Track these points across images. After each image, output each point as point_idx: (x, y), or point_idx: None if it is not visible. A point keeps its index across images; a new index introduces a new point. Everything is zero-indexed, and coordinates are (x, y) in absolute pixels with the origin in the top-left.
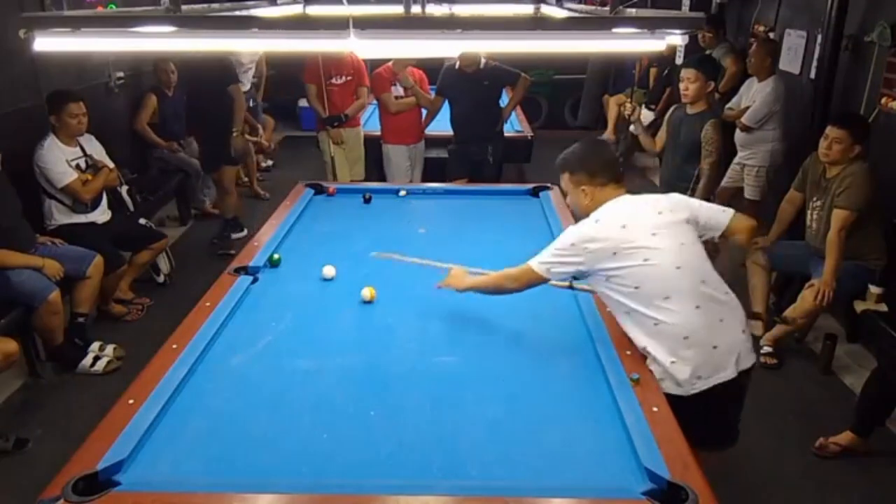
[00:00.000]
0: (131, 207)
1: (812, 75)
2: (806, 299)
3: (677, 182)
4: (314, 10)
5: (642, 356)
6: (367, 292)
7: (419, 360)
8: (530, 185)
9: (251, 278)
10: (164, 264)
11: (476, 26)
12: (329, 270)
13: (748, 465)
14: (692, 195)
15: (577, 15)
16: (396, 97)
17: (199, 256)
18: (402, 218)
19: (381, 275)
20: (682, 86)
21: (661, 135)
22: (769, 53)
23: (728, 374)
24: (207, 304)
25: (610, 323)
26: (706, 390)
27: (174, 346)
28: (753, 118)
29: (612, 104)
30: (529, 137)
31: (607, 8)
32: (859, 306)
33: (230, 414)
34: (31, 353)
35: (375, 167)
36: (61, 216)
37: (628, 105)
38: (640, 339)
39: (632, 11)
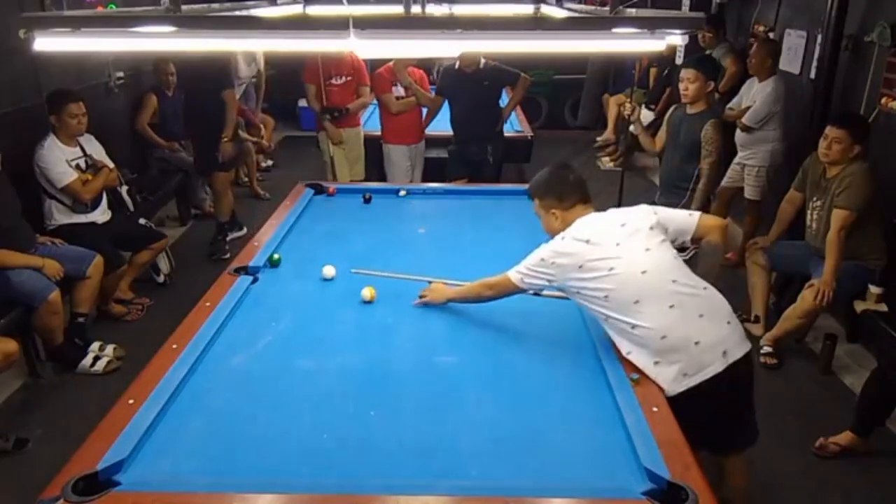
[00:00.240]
0: (131, 207)
1: (812, 75)
2: (806, 299)
3: (677, 182)
4: (314, 10)
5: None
6: (367, 292)
7: (419, 360)
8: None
9: (251, 278)
10: (164, 264)
11: (476, 26)
12: (329, 270)
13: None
14: (692, 195)
15: (577, 15)
16: (397, 97)
17: (199, 256)
18: (402, 218)
19: (379, 271)
20: (681, 86)
21: (661, 135)
22: (770, 54)
23: (715, 368)
24: (207, 304)
25: None
26: (696, 387)
27: (174, 346)
28: (754, 118)
29: (612, 104)
30: (529, 137)
31: (607, 8)
32: (859, 306)
33: (230, 414)
34: (31, 353)
35: (375, 167)
36: (61, 216)
37: (628, 105)
38: (623, 344)
39: (632, 11)
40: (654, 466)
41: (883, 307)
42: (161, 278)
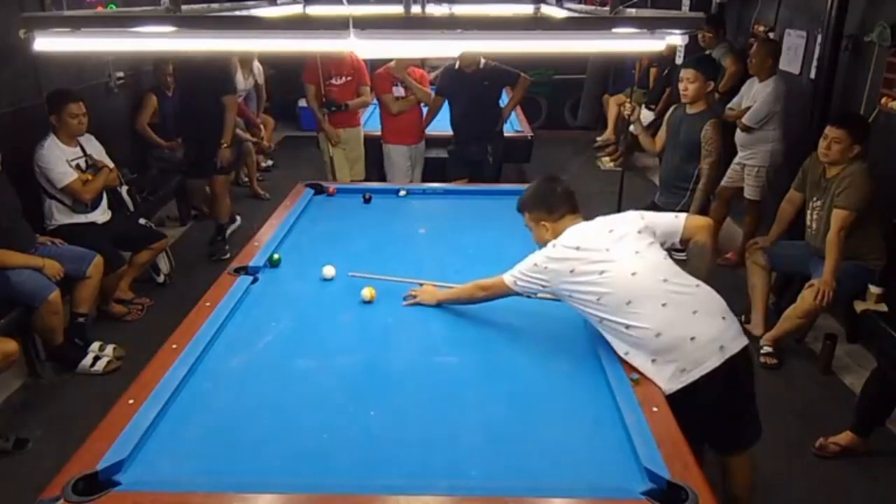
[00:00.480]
0: (131, 207)
1: (812, 75)
2: (806, 299)
3: (677, 182)
4: (314, 10)
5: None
6: (367, 292)
7: (419, 360)
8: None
9: (251, 278)
10: (164, 264)
11: (476, 26)
12: (329, 270)
13: None
14: (692, 195)
15: (577, 15)
16: (397, 97)
17: (199, 256)
18: (402, 218)
19: (381, 274)
20: (681, 86)
21: (661, 135)
22: (770, 54)
23: (713, 363)
24: (207, 304)
25: None
26: (694, 383)
27: (174, 346)
28: (754, 118)
29: (612, 104)
30: (529, 137)
31: (607, 8)
32: (859, 306)
33: (230, 414)
34: (31, 353)
35: (375, 167)
36: (61, 216)
37: (628, 105)
38: (619, 345)
39: (632, 11)
40: (653, 466)
41: (883, 307)
42: (161, 278)
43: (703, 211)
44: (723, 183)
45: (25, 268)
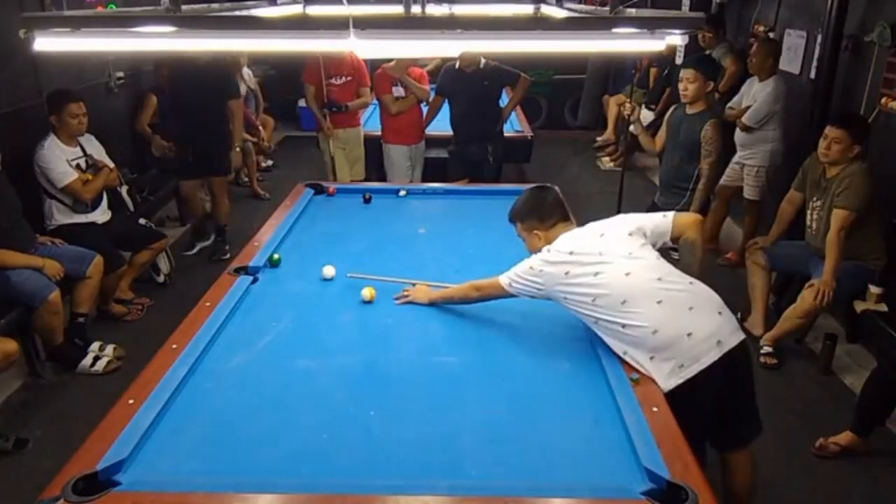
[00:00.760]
0: (131, 207)
1: (812, 75)
2: (806, 299)
3: (677, 182)
4: (314, 10)
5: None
6: (367, 292)
7: (419, 360)
8: (530, 186)
9: (251, 278)
10: (164, 264)
11: (476, 26)
12: (329, 270)
13: None
14: (692, 195)
15: (577, 15)
16: (397, 97)
17: (199, 256)
18: (402, 218)
19: (381, 275)
20: (681, 86)
21: (661, 135)
22: (771, 53)
23: (711, 357)
24: (207, 304)
25: None
26: (693, 379)
27: (174, 346)
28: (754, 118)
29: (612, 104)
30: (529, 137)
31: (607, 8)
32: (859, 306)
33: (230, 414)
34: (31, 353)
35: (375, 167)
36: (61, 216)
37: (628, 105)
38: (616, 345)
39: (632, 11)
40: (653, 466)
41: (883, 307)
42: (161, 278)
43: (703, 211)
44: (721, 182)
45: (25, 268)
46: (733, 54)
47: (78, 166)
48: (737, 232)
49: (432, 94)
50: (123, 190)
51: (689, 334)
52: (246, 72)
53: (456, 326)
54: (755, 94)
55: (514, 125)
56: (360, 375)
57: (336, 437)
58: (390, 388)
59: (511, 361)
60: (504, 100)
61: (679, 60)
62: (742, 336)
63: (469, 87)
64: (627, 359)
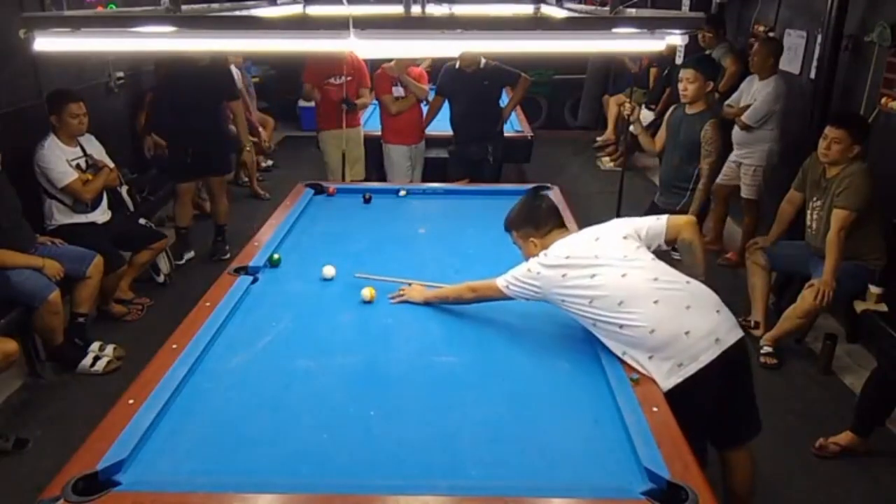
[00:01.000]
0: (131, 207)
1: (812, 75)
2: (806, 299)
3: (677, 182)
4: (314, 10)
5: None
6: (367, 292)
7: (419, 360)
8: (530, 185)
9: (251, 278)
10: (164, 264)
11: (476, 26)
12: (329, 270)
13: None
14: (692, 195)
15: (577, 15)
16: (396, 98)
17: (199, 256)
18: (402, 218)
19: (382, 275)
20: (680, 86)
21: (661, 135)
22: (772, 52)
23: (710, 355)
24: (207, 304)
25: None
26: (692, 377)
27: (174, 346)
28: (754, 117)
29: (612, 104)
30: (529, 137)
31: (607, 8)
32: (859, 306)
33: (230, 414)
34: (31, 353)
35: (375, 167)
36: (61, 216)
37: (628, 105)
38: (615, 346)
39: (632, 11)
40: (653, 466)
41: (883, 307)
42: (161, 278)
43: (702, 211)
44: (718, 181)
45: (25, 268)
46: (733, 54)
47: (78, 166)
48: (736, 232)
49: (431, 94)
50: (123, 190)
51: (686, 333)
52: (235, 71)
53: (456, 326)
54: (755, 93)
55: (515, 125)
56: (360, 375)
57: (336, 437)
58: (390, 388)
59: (511, 361)
60: (504, 100)
61: (679, 60)
62: (741, 334)
63: (469, 87)
64: (627, 359)
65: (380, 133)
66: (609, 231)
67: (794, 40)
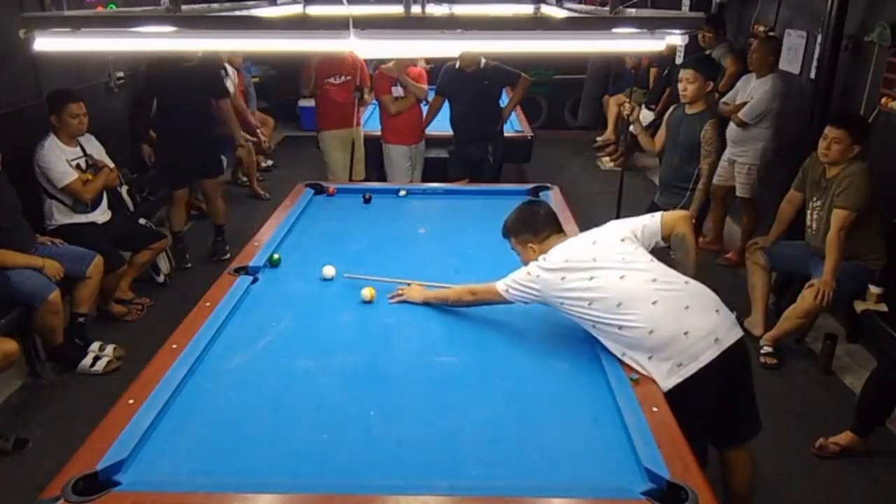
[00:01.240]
0: (131, 207)
1: (812, 75)
2: (806, 299)
3: (677, 182)
4: (314, 10)
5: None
6: (367, 292)
7: (419, 360)
8: (530, 185)
9: (251, 278)
10: (164, 264)
11: (476, 26)
12: (329, 270)
13: None
14: (692, 195)
15: (577, 15)
16: (396, 98)
17: (199, 256)
18: (402, 218)
19: (380, 275)
20: (680, 86)
21: (661, 135)
22: (771, 51)
23: (709, 355)
24: (207, 304)
25: None
26: (692, 377)
27: (174, 346)
28: (750, 114)
29: (612, 104)
30: (529, 137)
31: (607, 8)
32: (859, 306)
33: (230, 414)
34: (31, 353)
35: (375, 167)
36: (61, 216)
37: (628, 105)
38: (614, 347)
39: (632, 11)
40: (653, 466)
41: (883, 307)
42: (161, 278)
43: (702, 211)
44: (714, 181)
45: (25, 268)
46: (733, 54)
47: (78, 166)
48: (736, 232)
49: (431, 94)
50: (123, 190)
51: (686, 333)
52: (231, 72)
53: (456, 326)
54: (752, 91)
55: (515, 125)
56: (360, 375)
57: (336, 437)
58: (390, 388)
59: (511, 361)
60: (504, 100)
61: (679, 60)
62: (740, 333)
63: (469, 87)
64: (626, 360)
65: (380, 133)
66: (607, 234)
67: (794, 40)
